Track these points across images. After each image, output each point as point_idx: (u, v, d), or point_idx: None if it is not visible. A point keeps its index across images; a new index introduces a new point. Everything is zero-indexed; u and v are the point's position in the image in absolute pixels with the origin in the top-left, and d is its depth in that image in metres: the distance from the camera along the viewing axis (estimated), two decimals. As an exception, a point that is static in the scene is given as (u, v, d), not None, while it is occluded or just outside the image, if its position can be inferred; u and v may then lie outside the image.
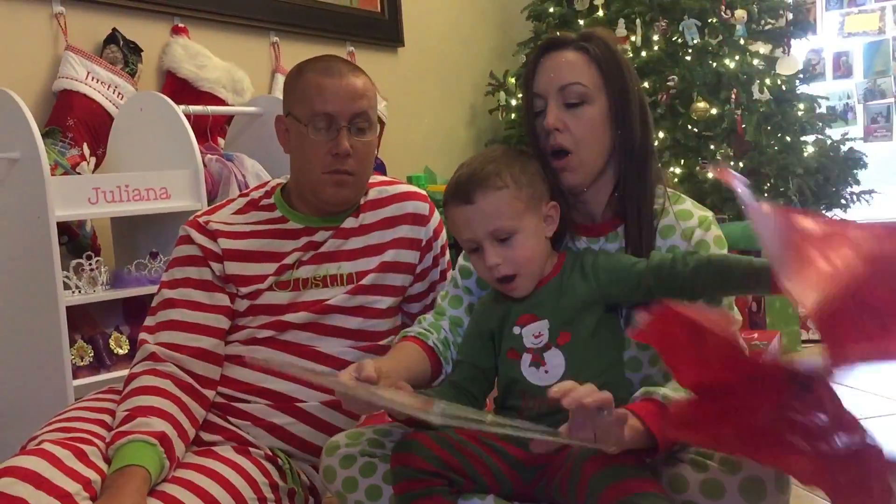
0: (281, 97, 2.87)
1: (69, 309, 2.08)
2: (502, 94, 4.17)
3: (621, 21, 3.72)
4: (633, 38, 3.69)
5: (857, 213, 3.98)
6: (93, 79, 2.55)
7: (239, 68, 2.94)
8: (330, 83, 1.56)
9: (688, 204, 1.44)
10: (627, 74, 1.41)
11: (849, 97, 5.19)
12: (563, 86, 1.38)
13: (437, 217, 1.75)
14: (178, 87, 2.79)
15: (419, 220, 1.69)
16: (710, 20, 3.69)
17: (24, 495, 1.22)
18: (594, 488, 1.16)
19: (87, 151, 2.49)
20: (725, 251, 1.39)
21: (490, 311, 1.42)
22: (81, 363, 2.17)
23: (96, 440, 1.39)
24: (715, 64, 3.65)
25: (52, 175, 2.11)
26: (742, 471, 1.17)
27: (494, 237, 1.33)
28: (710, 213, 1.43)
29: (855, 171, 3.89)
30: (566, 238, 1.45)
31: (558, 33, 1.49)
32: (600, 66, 1.39)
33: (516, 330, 1.36)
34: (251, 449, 1.54)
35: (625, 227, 1.42)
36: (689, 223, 1.39)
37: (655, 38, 3.68)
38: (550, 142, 1.39)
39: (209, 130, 2.70)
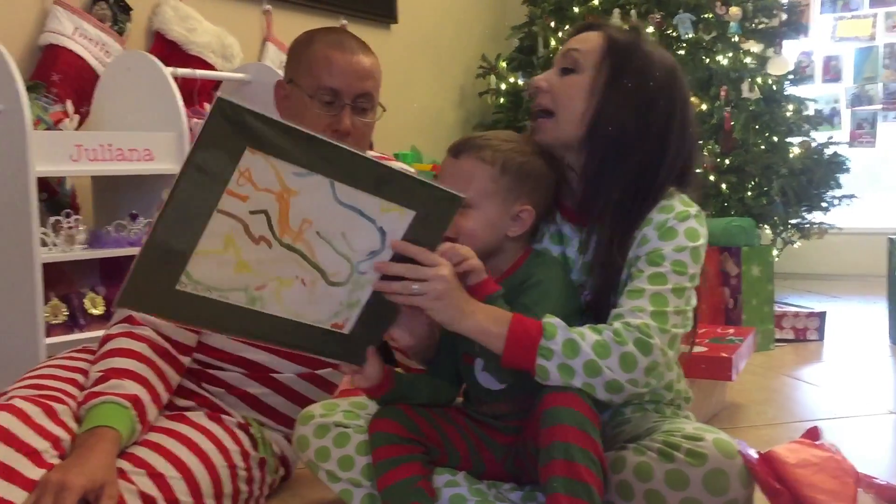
0: (270, 65, 2.86)
1: (45, 266, 2.06)
2: (493, 77, 4.16)
3: (616, 11, 3.72)
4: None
5: (838, 216, 4.02)
6: (80, 35, 2.51)
7: (229, 34, 2.90)
8: (340, 58, 1.54)
9: (675, 200, 1.38)
10: (652, 84, 1.37)
11: (836, 101, 5.22)
12: (563, 53, 1.41)
13: (423, 195, 1.73)
14: (167, 50, 2.75)
15: (405, 196, 1.68)
16: (704, 15, 3.70)
17: (-8, 450, 1.21)
18: (548, 420, 1.18)
19: (70, 108, 2.45)
20: (696, 244, 1.33)
21: None
22: (55, 321, 2.14)
23: (68, 399, 1.38)
24: (707, 60, 3.66)
25: (35, 130, 2.07)
26: (707, 463, 1.19)
27: None
28: (693, 209, 1.37)
29: (837, 175, 3.92)
30: (554, 218, 1.44)
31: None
32: (612, 52, 1.38)
33: None
34: (224, 416, 1.53)
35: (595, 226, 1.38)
36: (665, 215, 1.35)
37: (650, 30, 3.67)
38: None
39: (196, 95, 2.67)
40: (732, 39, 3.73)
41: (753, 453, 1.20)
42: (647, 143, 1.36)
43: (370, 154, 1.70)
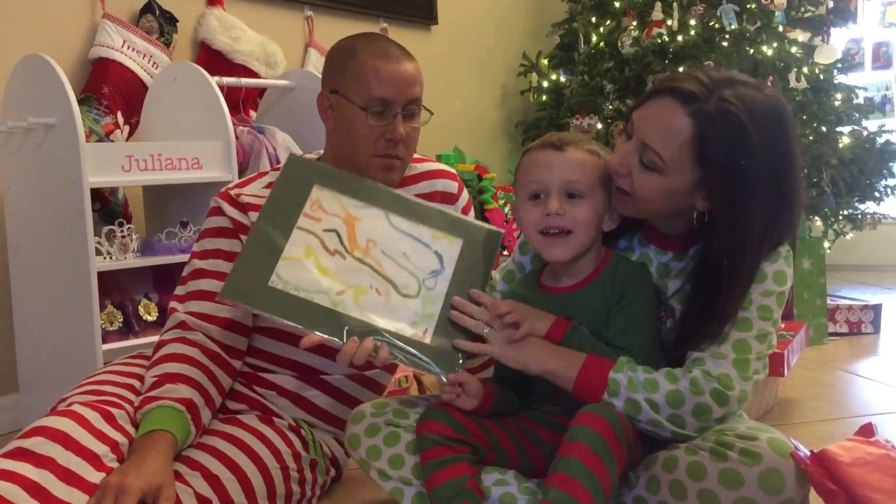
0: (313, 71, 2.89)
1: (100, 274, 2.11)
2: (534, 75, 4.15)
3: (658, 5, 3.67)
4: (669, 23, 3.64)
5: (891, 205, 3.93)
6: (129, 48, 2.56)
7: (272, 41, 2.94)
8: (388, 68, 1.54)
9: None
10: (748, 165, 1.24)
11: (887, 88, 5.09)
12: (644, 143, 1.30)
13: (465, 195, 1.74)
14: (212, 59, 2.80)
15: (448, 198, 1.69)
16: (748, 6, 3.63)
17: (54, 455, 1.25)
18: (570, 435, 1.22)
19: (121, 120, 2.51)
20: (783, 289, 1.32)
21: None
22: (111, 328, 2.20)
23: (125, 404, 1.42)
24: (752, 50, 3.60)
25: (87, 142, 2.13)
26: (762, 462, 1.17)
27: (566, 189, 1.35)
28: (783, 248, 1.33)
29: (890, 164, 3.82)
30: (635, 241, 1.44)
31: (682, 77, 1.29)
32: (704, 151, 1.25)
33: None
34: (275, 419, 1.56)
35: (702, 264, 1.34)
36: None
37: (692, 22, 3.63)
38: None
39: (242, 102, 2.71)
40: (778, 29, 3.66)
41: (806, 452, 1.19)
42: (744, 218, 1.28)
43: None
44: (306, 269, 1.36)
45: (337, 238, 1.40)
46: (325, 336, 1.33)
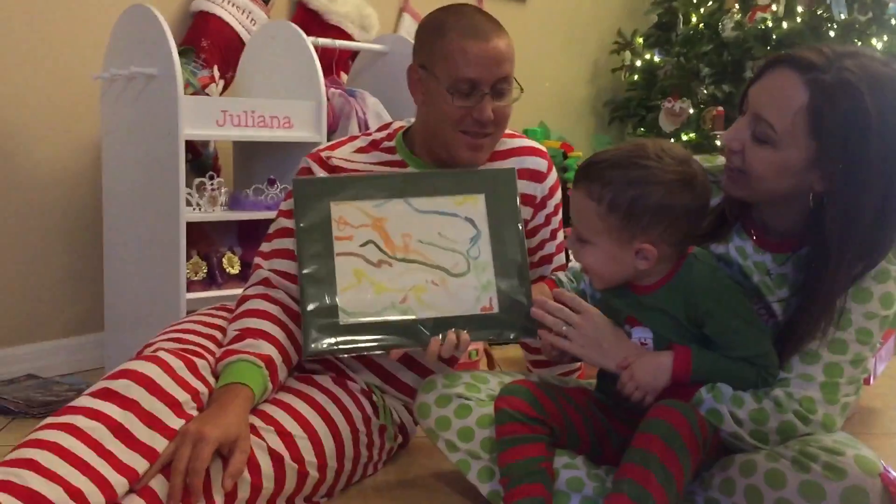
0: (407, 37, 2.89)
1: (188, 225, 2.16)
2: (628, 53, 4.06)
3: (765, -12, 3.55)
4: (774, 7, 3.51)
5: None
6: (229, 3, 2.59)
7: (368, 4, 2.94)
8: (476, 47, 1.51)
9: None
10: (869, 137, 1.17)
11: None
12: (757, 115, 1.24)
13: (553, 175, 1.72)
14: (308, 19, 2.81)
15: (536, 176, 1.68)
16: (861, -6, 3.48)
17: (138, 398, 1.29)
18: (645, 427, 1.22)
19: (216, 74, 2.55)
20: (888, 312, 1.26)
21: (601, 300, 1.42)
22: (195, 278, 2.25)
23: (207, 354, 1.46)
24: (860, 43, 3.45)
25: (184, 94, 2.17)
26: (847, 478, 1.14)
27: (575, 232, 1.34)
28: (893, 267, 1.26)
29: None
30: (734, 228, 1.38)
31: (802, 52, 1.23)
32: (819, 121, 1.18)
33: (626, 328, 1.36)
34: (349, 382, 1.58)
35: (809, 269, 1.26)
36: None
37: (800, 9, 3.49)
38: (727, 156, 1.30)
39: (334, 64, 2.72)
40: (890, 21, 3.49)
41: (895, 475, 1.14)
42: (858, 198, 1.20)
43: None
44: (364, 292, 1.42)
45: (375, 248, 1.45)
46: (409, 347, 1.42)
